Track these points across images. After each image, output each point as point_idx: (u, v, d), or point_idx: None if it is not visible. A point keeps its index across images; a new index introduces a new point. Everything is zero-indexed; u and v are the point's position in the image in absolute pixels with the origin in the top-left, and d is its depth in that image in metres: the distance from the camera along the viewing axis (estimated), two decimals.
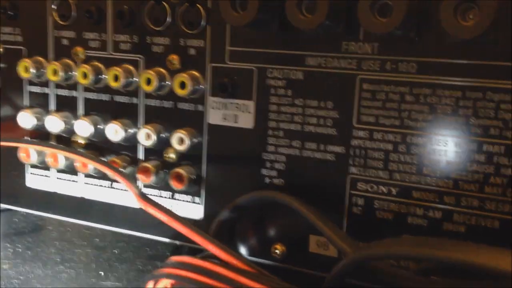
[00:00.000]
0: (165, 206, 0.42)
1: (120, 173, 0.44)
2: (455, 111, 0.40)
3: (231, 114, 0.47)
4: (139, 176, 0.49)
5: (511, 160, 0.39)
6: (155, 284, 0.41)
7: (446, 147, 0.40)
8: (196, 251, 0.43)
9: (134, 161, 0.51)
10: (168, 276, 0.40)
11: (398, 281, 0.37)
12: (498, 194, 0.39)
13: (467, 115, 0.39)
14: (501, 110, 0.38)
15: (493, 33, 0.35)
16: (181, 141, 0.47)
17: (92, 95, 0.52)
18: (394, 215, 0.43)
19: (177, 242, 0.51)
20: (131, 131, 0.50)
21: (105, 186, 0.53)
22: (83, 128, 0.51)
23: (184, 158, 0.49)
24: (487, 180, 0.40)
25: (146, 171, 0.49)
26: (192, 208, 0.50)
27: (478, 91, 0.39)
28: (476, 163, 0.40)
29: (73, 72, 0.51)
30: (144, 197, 0.42)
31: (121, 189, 0.52)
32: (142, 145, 0.49)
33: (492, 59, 0.38)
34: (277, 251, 0.47)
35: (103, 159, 0.51)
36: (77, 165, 0.52)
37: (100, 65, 0.50)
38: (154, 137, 0.48)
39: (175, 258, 0.39)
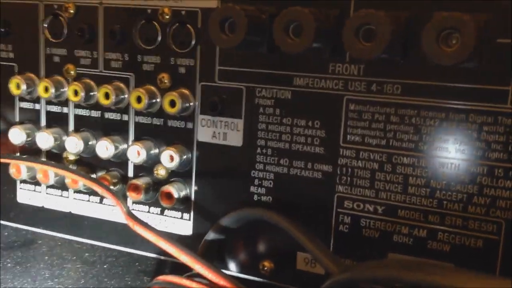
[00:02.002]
0: (152, 225, 0.42)
1: (109, 190, 0.45)
2: (439, 132, 0.40)
3: (220, 132, 0.47)
4: (129, 193, 0.49)
5: (494, 181, 0.39)
6: None
7: (430, 167, 0.41)
8: (183, 267, 0.43)
9: (124, 178, 0.52)
10: None
11: None
12: (481, 214, 0.40)
13: (450, 136, 0.40)
14: (484, 132, 0.39)
15: (476, 58, 0.36)
16: (171, 158, 0.48)
17: (82, 112, 0.52)
18: (380, 233, 0.43)
19: (166, 258, 0.51)
20: (121, 147, 0.50)
21: (95, 202, 0.54)
22: (74, 145, 0.51)
23: (173, 175, 0.50)
24: (471, 200, 0.40)
25: (136, 188, 0.49)
26: (181, 224, 0.50)
27: (461, 113, 0.39)
28: (460, 183, 0.40)
29: (64, 89, 0.51)
30: (132, 215, 0.42)
31: (111, 205, 0.53)
32: (132, 162, 0.50)
33: (475, 82, 0.39)
34: (265, 267, 0.48)
35: (93, 175, 0.52)
36: (67, 181, 0.52)
37: (91, 82, 0.51)
38: (144, 154, 0.49)
39: (161, 278, 0.40)
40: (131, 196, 0.50)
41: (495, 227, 0.40)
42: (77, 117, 0.53)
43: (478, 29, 0.33)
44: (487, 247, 0.40)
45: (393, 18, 0.35)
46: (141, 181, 0.50)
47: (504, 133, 0.39)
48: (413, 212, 0.42)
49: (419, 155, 0.41)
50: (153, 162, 0.50)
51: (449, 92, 0.39)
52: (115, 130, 0.51)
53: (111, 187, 0.50)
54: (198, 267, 0.38)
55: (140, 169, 0.51)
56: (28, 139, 0.53)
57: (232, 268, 0.49)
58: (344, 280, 0.36)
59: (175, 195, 0.48)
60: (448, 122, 0.40)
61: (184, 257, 0.39)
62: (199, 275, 0.39)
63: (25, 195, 0.57)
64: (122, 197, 0.46)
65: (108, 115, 0.51)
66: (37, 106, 0.54)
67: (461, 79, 0.39)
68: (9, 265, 0.56)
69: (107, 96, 0.49)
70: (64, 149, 0.52)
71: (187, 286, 0.38)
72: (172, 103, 0.47)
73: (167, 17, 0.47)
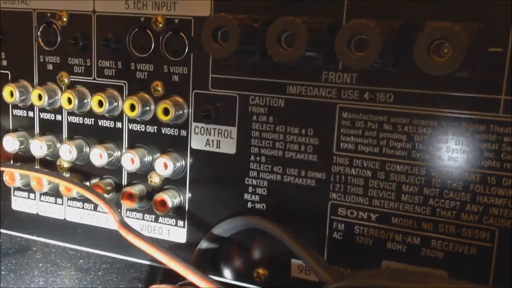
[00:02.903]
0: (145, 234, 0.42)
1: (103, 198, 0.45)
2: (431, 140, 0.40)
3: (214, 139, 0.47)
4: (122, 201, 0.49)
5: (487, 188, 0.40)
6: None
7: (423, 174, 0.41)
8: (178, 274, 0.43)
9: (118, 185, 0.51)
10: None
11: None
12: (474, 222, 0.40)
13: (443, 144, 0.40)
14: (476, 140, 0.39)
15: (468, 68, 0.36)
16: (165, 165, 0.48)
17: (76, 119, 0.52)
18: (374, 240, 0.44)
19: (160, 265, 0.51)
20: (115, 155, 0.50)
21: (89, 209, 0.54)
22: (67, 152, 0.51)
23: (167, 182, 0.50)
24: (464, 207, 0.40)
25: (129, 196, 0.49)
26: (175, 231, 0.50)
27: (454, 122, 0.40)
28: (453, 190, 0.40)
29: (57, 97, 0.51)
30: (125, 224, 0.42)
31: (105, 212, 0.53)
32: (126, 169, 0.50)
33: (467, 91, 0.39)
34: (259, 275, 0.48)
35: (86, 183, 0.52)
36: (61, 188, 0.52)
37: (84, 90, 0.51)
38: (137, 162, 0.48)
39: (155, 287, 0.40)
40: (125, 204, 0.50)
41: (489, 235, 0.40)
42: (70, 125, 0.53)
43: (469, 38, 0.33)
44: (481, 254, 0.40)
45: (385, 28, 0.35)
46: (134, 189, 0.50)
47: (496, 141, 0.39)
48: (407, 220, 0.42)
49: (412, 163, 0.41)
50: (146, 169, 0.50)
51: (441, 101, 0.40)
52: (109, 137, 0.51)
53: (105, 195, 0.50)
54: (191, 276, 0.38)
55: (134, 177, 0.51)
56: (22, 146, 0.53)
57: (227, 276, 0.49)
58: None
59: (169, 203, 0.48)
60: (440, 130, 0.40)
61: (176, 267, 0.39)
62: (192, 284, 0.39)
63: (19, 203, 0.57)
64: (115, 205, 0.46)
65: (101, 122, 0.51)
66: (30, 114, 0.54)
67: (453, 88, 0.39)
68: (3, 272, 0.55)
69: (100, 104, 0.49)
70: (57, 157, 0.52)
71: None
72: (166, 111, 0.47)
73: (160, 25, 0.47)
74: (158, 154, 0.49)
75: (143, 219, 0.51)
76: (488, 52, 0.37)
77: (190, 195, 0.49)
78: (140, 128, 0.50)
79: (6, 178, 0.54)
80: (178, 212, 0.50)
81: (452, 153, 0.40)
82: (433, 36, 0.33)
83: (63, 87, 0.52)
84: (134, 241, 0.41)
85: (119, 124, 0.51)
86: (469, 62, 0.36)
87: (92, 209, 0.54)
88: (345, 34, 0.35)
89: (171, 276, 0.46)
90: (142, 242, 0.40)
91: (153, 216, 0.51)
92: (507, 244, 0.40)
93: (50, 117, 0.53)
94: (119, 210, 0.51)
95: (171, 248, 0.50)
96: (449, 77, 0.38)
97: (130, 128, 0.50)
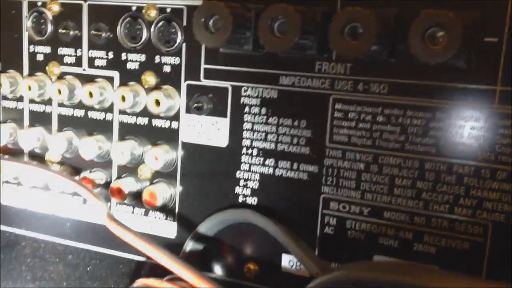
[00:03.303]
0: (134, 228, 0.42)
1: (91, 191, 0.44)
2: (425, 132, 0.40)
3: (205, 131, 0.47)
4: (112, 194, 0.49)
5: (481, 182, 0.39)
6: None
7: (416, 167, 0.40)
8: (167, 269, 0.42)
9: (107, 178, 0.51)
10: None
11: None
12: (467, 216, 0.40)
13: (437, 136, 0.40)
14: (471, 132, 0.39)
15: (463, 57, 0.36)
16: (155, 158, 0.47)
17: (66, 111, 0.52)
18: (366, 235, 0.43)
19: (150, 260, 0.50)
20: (105, 147, 0.50)
21: (78, 203, 0.53)
22: (57, 145, 0.50)
23: (158, 175, 0.49)
24: (457, 201, 0.40)
25: (119, 189, 0.48)
26: (165, 225, 0.50)
27: (448, 113, 0.39)
28: (446, 184, 0.40)
29: (47, 88, 0.50)
30: (112, 218, 0.41)
31: (94, 206, 0.52)
32: (116, 163, 0.49)
33: (462, 81, 0.38)
34: (250, 270, 0.47)
35: (76, 176, 0.51)
36: (50, 182, 0.51)
37: (74, 81, 0.50)
38: (127, 155, 0.48)
39: (141, 281, 0.39)
40: (114, 198, 0.49)
41: (482, 229, 0.40)
42: (60, 117, 0.52)
43: (464, 27, 0.32)
44: (474, 249, 0.40)
45: (380, 16, 0.35)
46: (124, 183, 0.49)
47: (491, 133, 0.38)
48: (399, 214, 0.42)
49: (405, 155, 0.41)
50: (137, 162, 0.49)
51: (436, 92, 0.39)
52: (99, 129, 0.50)
53: (94, 188, 0.49)
54: (179, 269, 0.38)
55: (124, 169, 0.50)
56: (11, 138, 0.52)
57: (217, 271, 0.48)
58: (327, 282, 0.35)
59: (159, 197, 0.48)
60: (434, 122, 0.39)
61: (164, 260, 0.38)
62: (180, 278, 0.39)
63: (7, 196, 0.56)
64: (104, 199, 0.45)
65: (91, 114, 0.51)
66: (20, 105, 0.53)
67: (448, 78, 0.39)
68: None
69: (90, 94, 0.48)
70: (47, 149, 0.52)
71: None
72: (157, 102, 0.46)
73: (152, 14, 0.46)
74: (149, 147, 0.48)
75: (133, 213, 0.51)
76: (484, 42, 0.37)
77: (181, 188, 0.48)
78: (130, 120, 0.49)
79: None
80: (168, 206, 0.49)
81: (446, 146, 0.39)
82: (428, 23, 0.33)
83: (53, 78, 0.51)
84: (122, 234, 0.40)
85: (109, 116, 0.50)
86: (464, 52, 0.36)
87: (81, 203, 0.53)
88: (339, 21, 0.35)
89: (160, 271, 0.45)
90: (130, 235, 0.39)
91: (143, 210, 0.50)
92: (500, 239, 0.39)
93: (39, 108, 0.53)
94: (109, 203, 0.50)
95: (161, 243, 0.49)
96: (444, 68, 0.37)
97: (120, 120, 0.49)
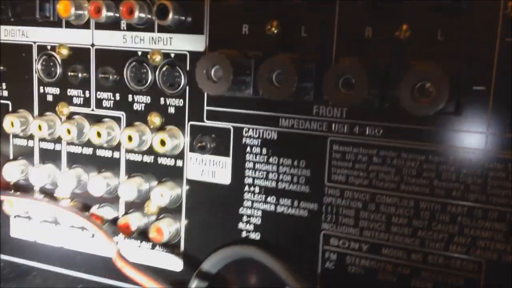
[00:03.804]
0: (140, 263, 0.43)
1: (100, 228, 0.46)
2: (419, 173, 0.41)
3: (209, 170, 0.48)
4: (119, 229, 0.50)
5: (474, 221, 0.40)
6: None
7: (412, 206, 0.42)
8: None
9: (115, 213, 0.52)
10: None
11: None
12: (462, 253, 0.41)
13: (431, 177, 0.41)
14: (462, 174, 0.40)
15: (452, 106, 0.37)
16: (161, 195, 0.49)
17: (75, 149, 0.53)
18: (365, 270, 0.44)
19: None
20: (112, 184, 0.51)
21: (87, 237, 0.55)
22: (66, 181, 0.52)
23: (164, 210, 0.51)
24: (452, 239, 0.41)
25: (126, 226, 0.50)
26: (171, 259, 0.51)
27: (441, 156, 0.41)
28: (441, 222, 0.41)
29: (57, 127, 0.52)
30: (122, 257, 0.43)
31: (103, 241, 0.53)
32: (123, 199, 0.51)
33: (453, 127, 0.40)
34: None
35: (85, 212, 0.53)
36: (60, 216, 0.53)
37: (83, 120, 0.52)
38: (134, 192, 0.49)
39: None
40: (122, 233, 0.51)
41: (476, 266, 0.41)
42: (69, 154, 0.54)
43: (451, 79, 0.34)
44: (468, 285, 0.41)
45: (371, 66, 0.37)
46: (131, 218, 0.51)
47: (481, 175, 0.40)
48: (397, 251, 0.43)
49: (401, 195, 0.42)
50: (143, 198, 0.51)
51: (428, 135, 0.41)
52: (107, 166, 0.52)
53: (103, 224, 0.51)
54: None
55: (131, 205, 0.52)
56: (22, 175, 0.54)
57: None
58: None
59: (165, 232, 0.49)
60: (428, 164, 0.41)
61: None
62: None
63: (18, 230, 0.58)
64: (112, 235, 0.47)
65: (100, 152, 0.52)
66: (30, 143, 0.55)
67: (439, 123, 0.40)
68: None
69: (99, 134, 0.50)
70: (57, 185, 0.53)
71: None
72: (162, 142, 0.48)
73: (157, 59, 0.48)
74: (155, 183, 0.50)
75: (140, 247, 0.52)
76: (472, 90, 0.39)
77: (186, 223, 0.50)
78: (137, 158, 0.51)
79: (6, 206, 0.55)
80: (174, 241, 0.50)
81: (440, 186, 0.41)
82: (415, 80, 0.34)
83: (63, 118, 0.53)
84: (129, 273, 0.42)
85: (116, 154, 0.52)
86: (454, 100, 0.37)
87: (90, 236, 0.54)
88: (332, 75, 0.36)
89: None
90: (139, 275, 0.41)
91: (150, 244, 0.52)
92: (494, 276, 0.40)
93: (49, 146, 0.54)
94: (116, 238, 0.52)
95: (168, 276, 0.51)
96: (436, 113, 0.39)
97: (127, 158, 0.51)
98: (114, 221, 0.52)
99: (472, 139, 0.39)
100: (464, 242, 0.41)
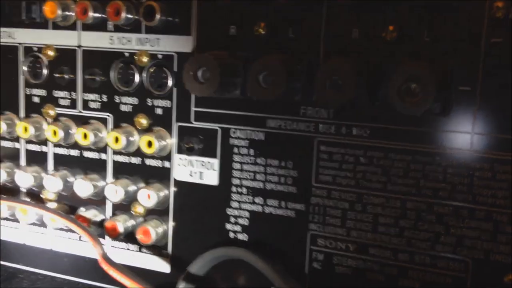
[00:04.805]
0: (127, 269, 0.43)
1: (86, 231, 0.46)
2: (406, 173, 0.42)
3: (196, 171, 0.48)
4: (106, 231, 0.50)
5: (460, 221, 0.41)
6: None
7: (398, 207, 0.42)
8: None
9: (102, 215, 0.52)
10: None
11: None
12: (448, 252, 0.41)
13: (417, 178, 0.41)
14: (449, 174, 0.40)
15: (439, 106, 0.38)
16: (148, 197, 0.49)
17: (61, 151, 0.53)
18: (352, 270, 0.45)
19: None
20: (99, 185, 0.51)
21: (74, 239, 0.54)
22: (52, 184, 0.52)
23: (151, 212, 0.50)
24: (438, 239, 0.42)
25: (113, 228, 0.50)
26: (159, 261, 0.51)
27: (427, 157, 0.41)
28: (427, 222, 0.42)
29: (43, 129, 0.52)
30: (107, 259, 0.43)
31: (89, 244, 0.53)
32: (110, 200, 0.51)
33: (440, 127, 0.40)
34: None
35: (71, 214, 0.52)
36: (47, 219, 0.53)
37: (70, 122, 0.52)
38: (121, 193, 0.49)
39: None
40: (109, 235, 0.50)
41: (462, 265, 0.41)
42: (56, 156, 0.53)
43: (438, 80, 0.34)
44: (455, 284, 0.41)
45: (360, 68, 0.37)
46: (118, 219, 0.50)
47: (467, 175, 0.40)
48: (384, 251, 0.43)
49: (387, 195, 0.42)
50: (131, 200, 0.50)
51: (415, 136, 0.41)
52: (94, 168, 0.52)
53: (89, 226, 0.51)
54: None
55: (118, 206, 0.52)
56: (8, 178, 0.54)
57: None
58: None
59: (152, 233, 0.49)
60: (414, 164, 0.41)
61: None
62: None
63: (6, 232, 0.57)
64: (98, 238, 0.47)
65: (86, 154, 0.52)
66: (17, 145, 0.55)
67: (426, 124, 0.40)
68: None
69: (85, 136, 0.50)
70: (43, 188, 0.53)
71: None
72: (149, 144, 0.48)
73: (144, 60, 0.48)
74: (142, 185, 0.50)
75: (127, 249, 0.52)
76: (459, 90, 0.39)
77: (174, 224, 0.50)
78: (124, 160, 0.51)
79: None
80: (162, 242, 0.50)
81: (426, 186, 0.41)
82: (402, 80, 0.34)
83: (49, 120, 0.52)
84: (116, 276, 0.41)
85: (104, 156, 0.52)
86: (440, 100, 0.38)
87: (78, 239, 0.54)
88: (322, 76, 0.36)
89: None
90: (124, 277, 0.41)
91: (137, 246, 0.52)
92: (480, 275, 0.41)
93: (36, 148, 0.54)
94: (103, 241, 0.52)
95: (156, 278, 0.51)
96: (423, 114, 0.39)
97: (114, 159, 0.51)
98: (101, 223, 0.52)
99: (458, 139, 0.40)
100: (450, 241, 0.41)
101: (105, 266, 0.42)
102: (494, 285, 0.40)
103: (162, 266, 0.51)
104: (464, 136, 0.40)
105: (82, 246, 0.54)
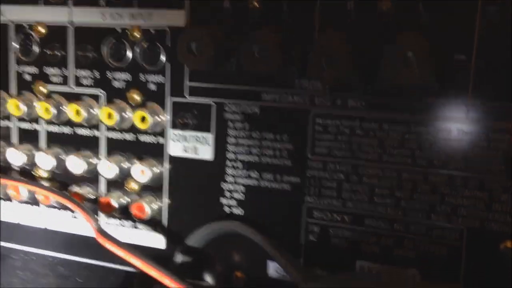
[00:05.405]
0: (123, 241, 0.43)
1: (80, 206, 0.45)
2: (401, 144, 0.42)
3: (191, 146, 0.48)
4: (100, 208, 0.50)
5: (454, 190, 0.41)
6: None
7: (394, 177, 0.42)
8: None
9: (96, 193, 0.52)
10: None
11: None
12: (444, 222, 0.42)
13: (412, 148, 0.42)
14: (444, 144, 0.41)
15: (435, 73, 0.38)
16: (142, 172, 0.49)
17: (54, 128, 0.53)
18: (348, 242, 0.45)
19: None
20: (93, 163, 0.51)
21: (68, 217, 0.54)
22: (45, 161, 0.51)
23: (145, 188, 0.50)
24: (433, 208, 0.42)
25: (107, 203, 0.50)
26: (154, 237, 0.51)
27: (422, 126, 0.41)
28: (422, 192, 0.42)
29: (35, 107, 0.52)
30: (102, 232, 0.43)
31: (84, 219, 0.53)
32: (104, 177, 0.50)
33: (434, 97, 0.40)
34: (238, 278, 0.49)
35: (64, 192, 0.52)
36: (39, 197, 0.53)
37: (62, 99, 0.51)
38: (115, 169, 0.49)
39: None
40: (103, 212, 0.50)
41: (457, 234, 0.42)
42: (48, 134, 0.53)
43: (432, 49, 0.34)
44: (451, 253, 0.42)
45: (353, 44, 0.37)
46: (112, 196, 0.50)
47: (462, 145, 0.40)
48: (379, 221, 0.44)
49: (383, 166, 0.43)
50: (124, 177, 0.50)
51: (410, 106, 0.41)
52: (87, 145, 0.52)
53: (84, 202, 0.50)
54: (167, 281, 0.39)
55: (112, 184, 0.51)
56: (0, 156, 0.54)
57: (206, 280, 0.50)
58: None
59: (147, 209, 0.49)
60: (409, 134, 0.42)
61: (154, 273, 0.40)
62: None
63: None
64: (93, 213, 0.46)
65: (79, 131, 0.52)
66: (8, 123, 0.54)
67: (421, 94, 0.41)
68: None
69: (77, 113, 0.49)
70: (35, 166, 0.53)
71: None
72: (143, 119, 0.48)
73: (137, 36, 0.47)
74: (136, 161, 0.50)
75: (122, 225, 0.52)
76: (453, 59, 0.39)
77: (168, 201, 0.50)
78: (117, 136, 0.50)
79: None
80: (156, 218, 0.50)
81: (421, 156, 0.42)
82: (397, 50, 0.35)
83: (41, 97, 0.52)
84: (112, 249, 0.41)
85: (97, 133, 0.51)
86: (435, 69, 0.38)
87: (71, 217, 0.54)
88: (316, 54, 0.36)
89: (151, 281, 0.46)
90: (119, 249, 0.41)
91: (132, 223, 0.52)
92: (475, 243, 0.41)
93: (27, 126, 0.54)
94: (97, 217, 0.51)
95: (152, 254, 0.51)
96: (418, 84, 0.39)
97: (107, 136, 0.51)
98: (95, 200, 0.52)
99: (454, 108, 0.40)
100: (446, 210, 0.42)
101: (101, 240, 0.42)
102: (490, 254, 0.41)
103: (157, 242, 0.51)
104: (460, 105, 0.40)
105: (76, 223, 0.54)
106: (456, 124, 0.40)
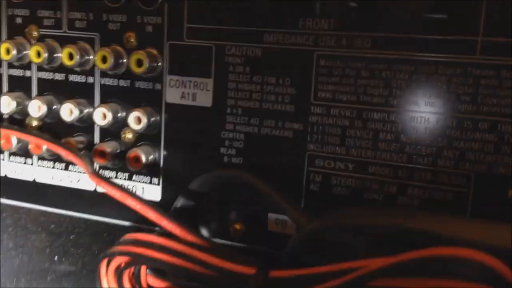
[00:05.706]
0: (118, 183, 0.41)
1: (73, 152, 0.44)
2: (409, 86, 0.40)
3: (189, 92, 0.47)
4: (95, 157, 0.48)
5: (463, 133, 0.40)
6: (109, 263, 0.40)
7: (400, 121, 0.41)
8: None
9: (90, 142, 0.50)
10: (122, 253, 0.39)
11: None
12: (450, 167, 0.40)
13: (420, 90, 0.40)
14: (453, 84, 0.39)
15: (445, 7, 0.36)
16: (138, 120, 0.47)
17: (46, 75, 0.51)
18: (351, 190, 0.44)
19: (134, 225, 0.50)
20: (86, 111, 0.49)
21: (60, 169, 0.52)
22: (37, 108, 0.49)
23: (141, 138, 0.49)
24: (440, 153, 0.41)
25: (102, 152, 0.48)
26: (150, 189, 0.49)
27: (431, 66, 0.40)
28: (429, 136, 0.41)
29: (26, 51, 0.50)
30: (96, 174, 0.41)
31: (77, 172, 0.51)
32: (98, 125, 0.48)
33: (444, 34, 0.39)
34: (236, 231, 0.47)
35: (56, 139, 0.50)
36: (30, 147, 0.51)
37: (54, 43, 0.49)
38: (110, 117, 0.47)
39: (129, 236, 0.39)
40: (98, 161, 0.48)
41: (465, 180, 0.40)
42: (40, 81, 0.51)
43: None
44: (457, 200, 0.41)
45: None
46: (107, 145, 0.49)
47: (472, 85, 0.39)
48: (384, 168, 0.42)
49: (389, 109, 0.41)
50: (119, 125, 0.48)
51: (418, 45, 0.40)
52: (80, 93, 0.50)
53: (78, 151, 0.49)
54: (165, 223, 0.38)
55: (107, 133, 0.50)
56: None
57: (203, 233, 0.48)
58: (313, 230, 0.36)
59: (143, 159, 0.47)
60: (417, 75, 0.40)
61: (151, 214, 0.38)
62: (167, 233, 0.39)
63: None
64: (86, 159, 0.45)
65: (72, 77, 0.50)
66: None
67: (430, 31, 0.39)
68: None
69: (71, 56, 0.47)
70: (27, 114, 0.51)
71: (154, 241, 0.37)
72: (139, 63, 0.46)
73: None
74: (132, 109, 0.48)
75: (116, 177, 0.50)
76: None
77: (165, 151, 0.48)
78: (112, 83, 0.49)
79: None
80: (152, 169, 0.49)
81: (429, 98, 0.40)
82: None
83: (33, 41, 0.50)
84: (107, 189, 0.40)
85: (90, 79, 0.49)
86: (445, 3, 0.36)
87: (63, 168, 0.52)
88: None
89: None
90: (115, 190, 0.39)
91: (127, 174, 0.50)
92: (483, 189, 0.40)
93: (19, 73, 0.52)
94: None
95: None
96: (426, 20, 0.38)
97: (102, 82, 0.49)
98: (89, 150, 0.50)
99: (464, 45, 0.38)
100: (452, 155, 0.40)
101: (95, 180, 0.40)
102: (498, 199, 0.39)
103: (153, 194, 0.49)
104: (470, 41, 0.38)
105: (68, 176, 0.52)
106: (466, 62, 0.39)
